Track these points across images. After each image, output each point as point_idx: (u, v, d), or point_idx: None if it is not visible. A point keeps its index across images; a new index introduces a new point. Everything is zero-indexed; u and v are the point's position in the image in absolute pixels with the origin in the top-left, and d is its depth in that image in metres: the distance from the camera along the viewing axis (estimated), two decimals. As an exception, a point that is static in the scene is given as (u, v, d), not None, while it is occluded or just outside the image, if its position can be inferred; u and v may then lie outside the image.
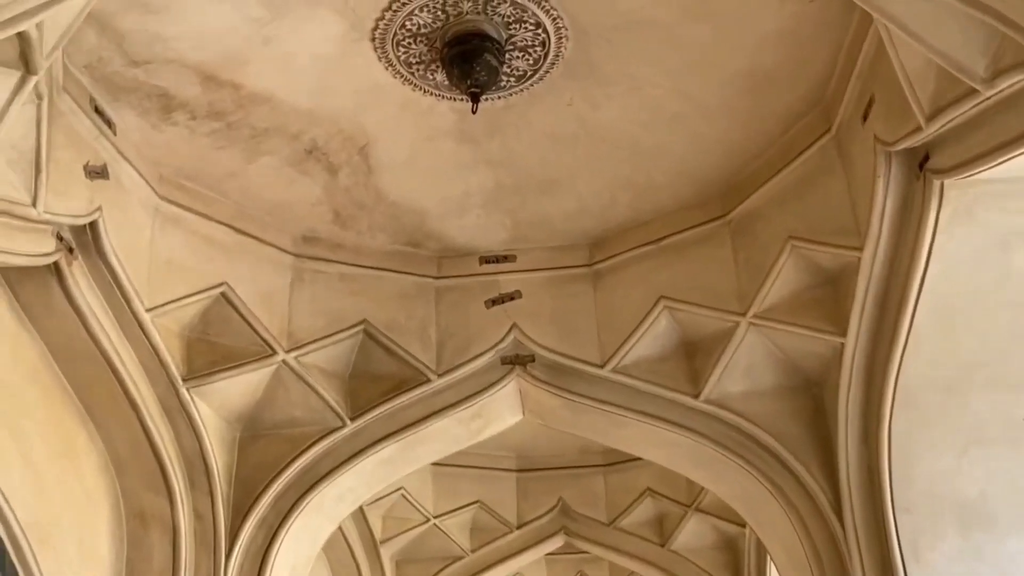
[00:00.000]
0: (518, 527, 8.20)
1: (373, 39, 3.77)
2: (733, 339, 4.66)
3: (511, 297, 5.18)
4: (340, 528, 7.49)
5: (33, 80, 2.62)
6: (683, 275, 4.88)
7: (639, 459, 7.61)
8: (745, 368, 4.74)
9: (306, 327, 4.84)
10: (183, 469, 4.59)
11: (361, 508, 7.62)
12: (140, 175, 4.15)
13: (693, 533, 7.66)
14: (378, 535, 7.93)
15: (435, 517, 8.00)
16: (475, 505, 8.13)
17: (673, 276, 4.91)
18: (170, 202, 4.37)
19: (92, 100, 3.72)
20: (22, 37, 2.34)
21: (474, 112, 3.92)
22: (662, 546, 7.83)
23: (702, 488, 7.18)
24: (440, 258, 5.29)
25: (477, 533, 8.24)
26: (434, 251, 5.26)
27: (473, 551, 8.13)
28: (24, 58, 2.46)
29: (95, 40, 3.53)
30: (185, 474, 4.61)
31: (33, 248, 3.45)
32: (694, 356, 4.93)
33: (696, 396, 4.82)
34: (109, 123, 3.85)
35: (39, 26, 2.36)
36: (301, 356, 4.81)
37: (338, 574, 7.79)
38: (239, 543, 4.72)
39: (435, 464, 8.12)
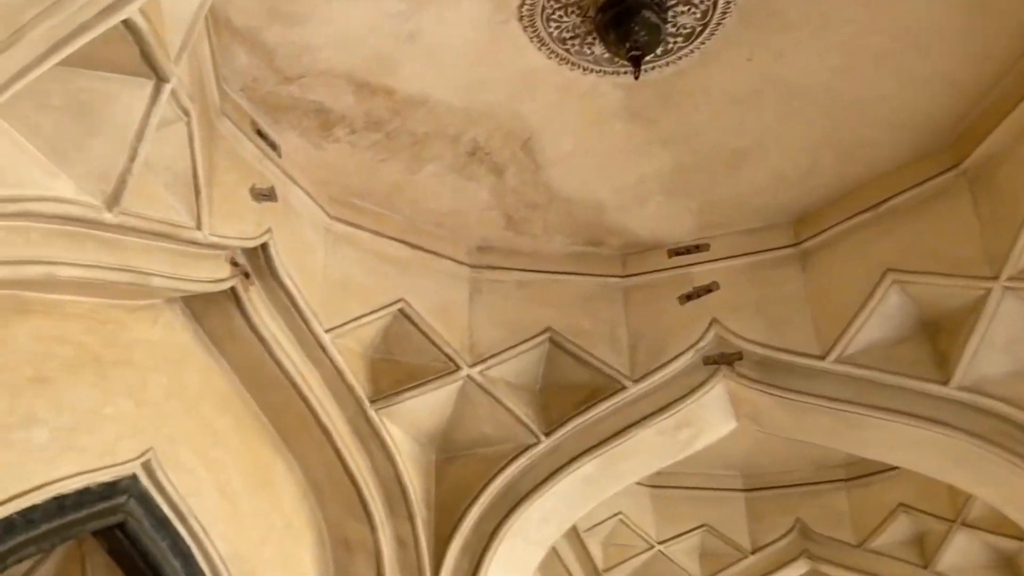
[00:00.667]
0: (752, 552, 7.52)
1: (521, 17, 3.50)
2: (985, 310, 3.87)
3: (707, 290, 4.67)
4: (559, 557, 7.20)
5: (167, 88, 2.56)
6: (912, 242, 4.15)
7: (887, 471, 6.76)
8: (1005, 343, 3.93)
9: (488, 340, 4.61)
10: (381, 494, 4.47)
11: (579, 535, 7.32)
12: (309, 196, 4.12)
13: (961, 551, 6.58)
14: (600, 563, 7.53)
15: (659, 543, 7.51)
16: (702, 529, 7.56)
17: (899, 244, 4.19)
18: (341, 221, 4.31)
19: (253, 123, 3.73)
20: (133, 31, 2.26)
21: (636, 78, 3.53)
22: (925, 567, 6.80)
23: (967, 497, 6.16)
24: (624, 255, 4.89)
25: (707, 559, 7.65)
26: (616, 248, 4.87)
27: (705, 580, 7.54)
28: (149, 61, 2.40)
29: (246, 59, 3.52)
30: (384, 499, 4.49)
31: (207, 274, 3.46)
32: (937, 335, 4.16)
33: (945, 383, 4.05)
34: (273, 145, 3.85)
35: (152, 20, 2.27)
36: (486, 370, 4.57)
37: (565, 607, 7.45)
38: (444, 570, 4.51)
39: (653, 486, 7.69)
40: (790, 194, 4.51)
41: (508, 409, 4.60)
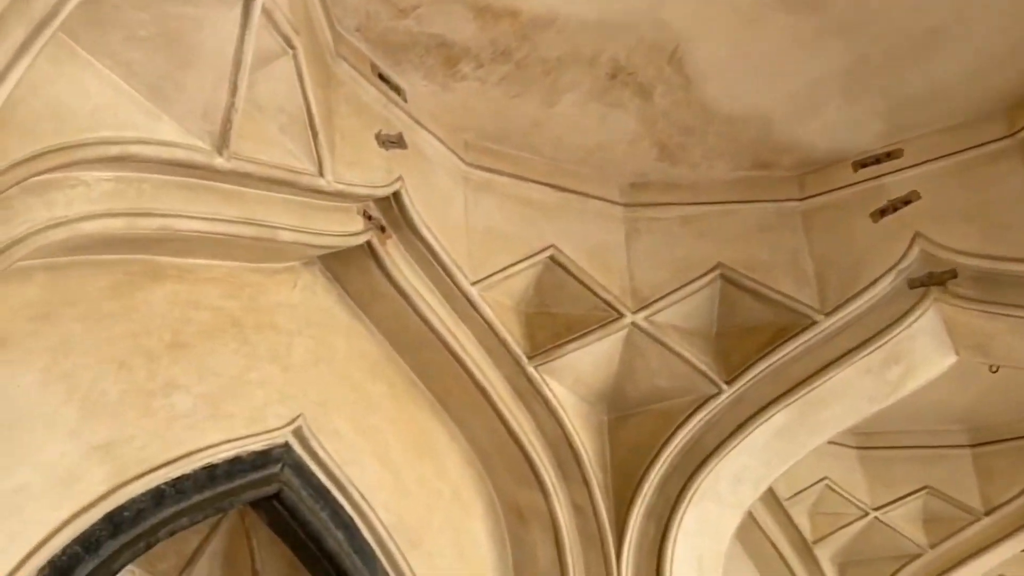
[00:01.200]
0: (986, 514, 6.61)
1: (644, -102, 3.05)
2: None
3: (905, 201, 4.00)
4: (761, 529, 6.64)
5: (257, 5, 2.33)
6: None
7: None
8: None
9: (651, 282, 4.17)
10: (551, 458, 4.15)
11: (781, 504, 6.70)
12: (441, 142, 3.85)
13: None
14: (808, 535, 6.87)
15: (875, 510, 6.75)
16: (923, 492, 6.75)
17: None
18: (478, 167, 4.02)
19: (373, 66, 3.50)
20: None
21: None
22: None
23: None
24: (800, 175, 4.29)
25: (933, 525, 6.83)
26: (791, 167, 4.28)
27: (932, 547, 6.71)
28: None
29: (356, -7, 3.29)
30: (554, 464, 4.16)
31: (338, 227, 3.26)
32: None
33: None
34: (397, 89, 3.61)
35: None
36: (652, 316, 4.13)
37: (770, 581, 6.85)
38: (628, 537, 4.12)
39: (862, 448, 6.96)
40: (1002, 76, 3.76)
41: (682, 357, 4.13)
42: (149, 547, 2.73)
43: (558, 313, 4.11)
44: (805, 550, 6.84)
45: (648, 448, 4.24)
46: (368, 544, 3.45)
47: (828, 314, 4.00)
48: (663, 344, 4.13)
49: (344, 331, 3.61)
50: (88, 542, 2.49)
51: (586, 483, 4.16)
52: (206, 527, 3.47)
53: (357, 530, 3.42)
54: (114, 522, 2.58)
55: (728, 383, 4.12)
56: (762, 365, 4.08)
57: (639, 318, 4.11)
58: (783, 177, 4.32)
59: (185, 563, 3.52)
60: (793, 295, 4.07)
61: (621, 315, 4.09)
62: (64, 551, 2.42)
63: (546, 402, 4.07)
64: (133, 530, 2.63)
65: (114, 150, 2.25)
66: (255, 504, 3.26)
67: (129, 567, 3.44)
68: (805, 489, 6.69)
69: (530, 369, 4.00)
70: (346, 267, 3.59)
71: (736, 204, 4.30)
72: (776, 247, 4.20)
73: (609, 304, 4.09)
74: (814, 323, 4.02)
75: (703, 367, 4.15)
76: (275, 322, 3.29)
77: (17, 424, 2.36)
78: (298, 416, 3.25)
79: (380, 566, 3.48)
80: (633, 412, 4.36)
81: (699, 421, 4.18)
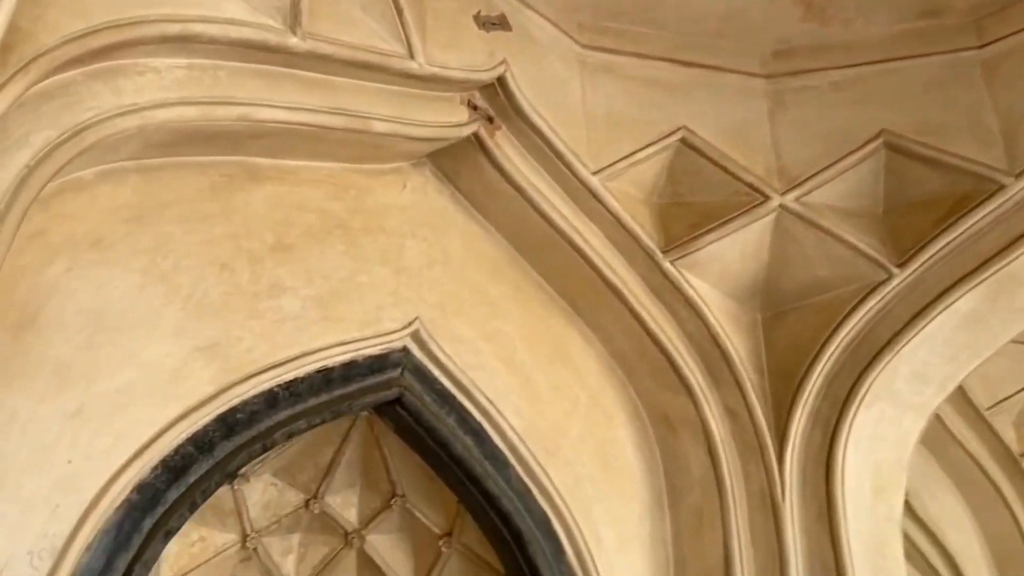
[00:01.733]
0: None
1: None
2: None
3: (1114, 32, 3.28)
4: (958, 441, 5.99)
5: None
6: None
7: None
8: None
9: (802, 159, 3.69)
10: (698, 361, 3.81)
11: (981, 415, 6.01)
12: (551, 23, 3.55)
13: None
14: (1014, 447, 6.12)
15: (1093, 418, 5.92)
16: None
17: None
18: (595, 49, 3.68)
19: (467, -57, 3.23)
20: None
21: None
22: None
23: None
24: (977, 20, 3.64)
25: None
26: (964, 12, 3.64)
27: None
28: None
29: None
30: (702, 366, 3.82)
31: (438, 117, 3.05)
32: None
33: None
34: (496, -34, 3.33)
35: None
36: (804, 196, 3.66)
37: (971, 498, 6.19)
38: (791, 444, 3.73)
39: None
40: None
41: (843, 241, 3.64)
42: (266, 449, 2.70)
43: (694, 202, 3.73)
44: (1012, 465, 6.12)
45: (809, 346, 3.80)
46: (500, 451, 3.29)
47: (1020, 175, 3.39)
48: (819, 227, 3.66)
49: (460, 232, 3.43)
50: (201, 442, 2.47)
51: (739, 386, 3.80)
52: (337, 436, 3.44)
53: (487, 436, 3.27)
54: (227, 423, 2.55)
55: (900, 266, 3.60)
56: (940, 243, 3.52)
57: (788, 200, 3.66)
58: (956, 24, 3.68)
59: (323, 474, 3.53)
60: (975, 158, 3.48)
61: (767, 198, 3.65)
62: (177, 451, 2.40)
63: (687, 300, 3.73)
64: (247, 431, 2.59)
65: (174, 28, 2.14)
66: (378, 410, 3.18)
67: (271, 479, 3.49)
68: (1010, 397, 5.95)
69: (666, 264, 3.67)
70: (456, 165, 3.40)
71: (900, 61, 3.71)
72: (951, 105, 3.60)
73: (752, 187, 3.66)
74: (1002, 188, 3.41)
75: (869, 250, 3.64)
76: (384, 224, 3.15)
77: (117, 325, 2.35)
78: (414, 320, 3.12)
79: (514, 473, 3.32)
80: (790, 307, 3.93)
81: (867, 312, 3.69)
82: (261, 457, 2.73)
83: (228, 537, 3.43)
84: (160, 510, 2.33)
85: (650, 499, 3.78)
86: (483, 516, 3.33)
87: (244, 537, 3.45)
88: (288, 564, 3.61)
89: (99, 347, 2.28)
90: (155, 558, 2.36)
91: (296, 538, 3.63)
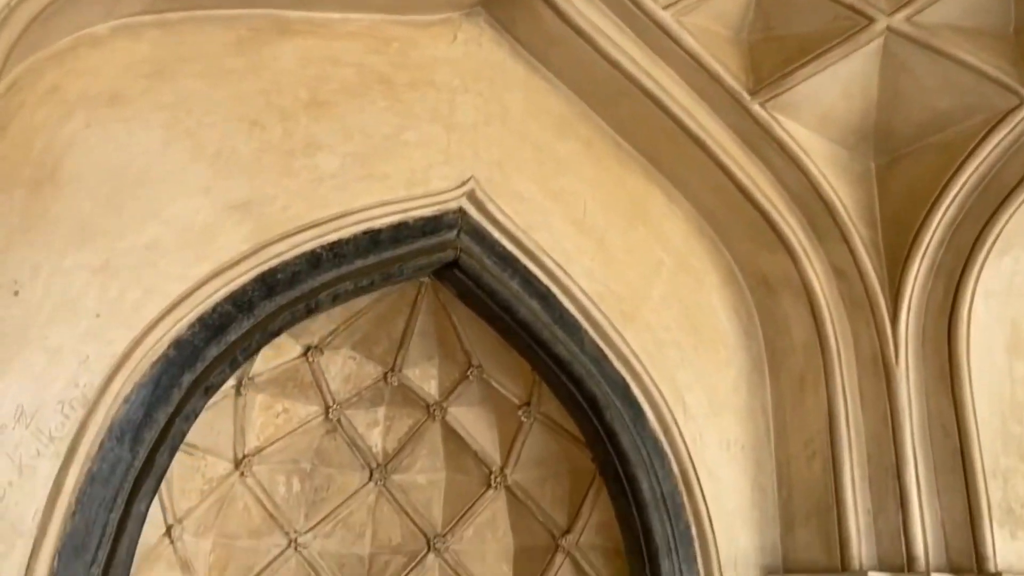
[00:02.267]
0: None
1: None
2: None
3: None
4: None
5: None
6: None
7: None
8: None
9: (913, -31, 3.16)
10: (797, 215, 3.46)
11: None
12: None
13: None
14: None
15: None
16: None
17: None
18: None
19: None
20: None
21: None
22: None
23: None
24: None
25: None
26: None
27: None
28: None
29: None
30: (803, 221, 3.46)
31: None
32: None
33: None
34: None
35: None
36: (916, 16, 3.15)
37: None
38: (906, 301, 3.34)
39: None
40: None
41: (966, 65, 3.13)
42: (310, 311, 2.65)
43: (787, 35, 3.30)
44: None
45: (927, 191, 3.35)
46: (570, 314, 3.12)
47: None
48: (936, 51, 3.16)
49: (520, 86, 3.20)
50: (240, 302, 2.44)
51: (846, 241, 3.41)
52: (406, 306, 3.36)
53: (555, 300, 3.10)
54: (267, 283, 2.51)
55: (1037, 88, 3.07)
56: (1085, 58, 2.97)
57: (897, 21, 3.16)
58: None
59: (398, 346, 3.48)
60: None
61: (871, 20, 3.17)
62: (214, 309, 2.39)
63: (782, 147, 3.35)
64: (289, 292, 2.55)
65: None
66: (437, 275, 3.06)
67: (349, 352, 3.48)
68: None
69: (755, 108, 3.29)
70: (512, 12, 3.15)
71: None
72: None
73: (854, 8, 3.18)
74: None
75: (997, 74, 3.13)
76: (433, 79, 2.97)
77: (141, 181, 2.32)
78: (469, 179, 2.95)
79: (587, 337, 3.14)
80: (905, 150, 3.46)
81: (995, 147, 3.20)
82: (305, 319, 2.67)
83: (311, 409, 3.48)
84: (199, 367, 2.33)
85: (747, 365, 3.51)
86: (556, 382, 3.19)
87: (327, 409, 3.48)
88: (374, 436, 3.63)
89: (122, 203, 2.26)
90: (196, 412, 2.38)
91: (381, 411, 3.63)
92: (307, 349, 3.35)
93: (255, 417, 3.37)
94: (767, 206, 3.42)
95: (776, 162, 3.40)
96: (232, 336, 2.41)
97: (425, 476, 3.69)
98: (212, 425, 3.20)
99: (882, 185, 3.52)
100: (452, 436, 3.62)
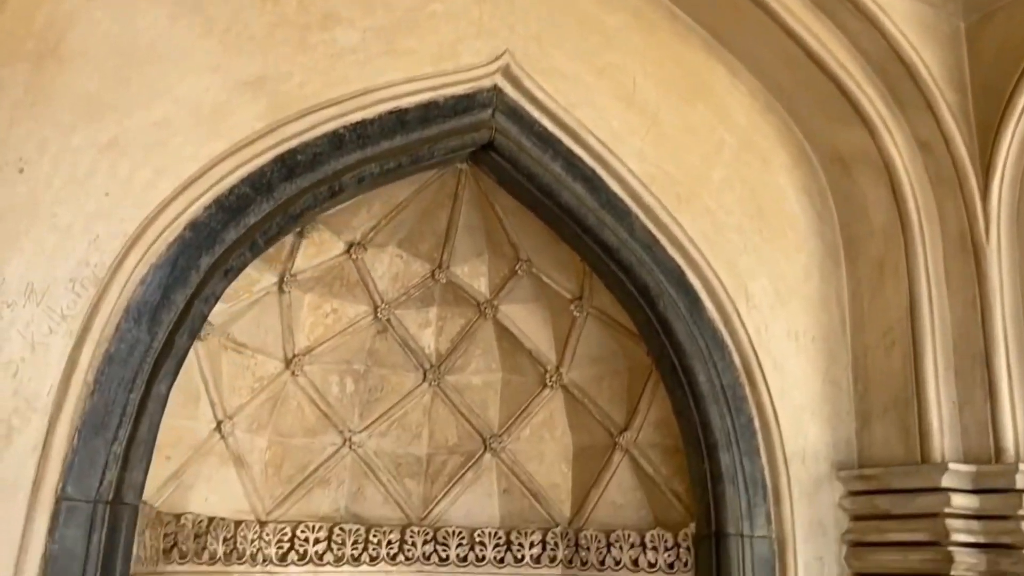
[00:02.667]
0: None
1: None
2: None
3: None
4: None
5: None
6: None
7: None
8: None
9: None
10: (876, 85, 3.13)
11: None
12: None
13: None
14: None
15: None
16: None
17: None
18: None
19: None
20: None
21: None
22: None
23: None
24: None
25: None
26: None
27: None
28: None
29: None
30: (882, 91, 3.13)
31: None
32: None
33: None
34: None
35: None
36: None
37: None
38: (998, 173, 3.00)
39: None
40: None
41: None
42: (334, 193, 2.54)
43: None
44: None
45: (1022, 51, 2.97)
46: (618, 198, 2.92)
47: None
48: None
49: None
50: (258, 184, 2.35)
51: (931, 110, 3.08)
52: (447, 198, 3.22)
53: (601, 182, 2.90)
54: (287, 165, 2.41)
55: None
56: None
57: None
58: None
59: (443, 241, 3.36)
60: None
61: None
62: (231, 191, 2.31)
63: (857, 6, 3.01)
64: (310, 174, 2.44)
65: None
66: (474, 159, 2.90)
67: (395, 250, 3.39)
68: None
69: (820, -39, 2.96)
70: None
71: None
72: None
73: None
74: None
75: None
76: (461, -56, 2.76)
77: (148, 58, 2.24)
78: (503, 53, 2.76)
79: (637, 223, 2.94)
80: (998, 5, 3.08)
81: (1110, -15, 2.78)
82: (329, 203, 2.56)
83: (360, 309, 3.42)
84: (218, 249, 2.27)
85: (819, 251, 3.25)
86: (605, 271, 3.02)
87: (375, 309, 3.41)
88: (426, 337, 3.55)
89: (129, 79, 2.18)
90: (216, 295, 2.33)
91: (432, 312, 3.54)
92: (350, 246, 3.26)
93: (304, 317, 3.33)
94: (842, 75, 3.10)
95: (851, 25, 3.06)
96: (251, 219, 2.33)
97: (480, 377, 3.59)
98: (258, 323, 3.18)
99: (972, 46, 3.17)
100: (505, 335, 3.51)
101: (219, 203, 2.28)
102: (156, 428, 2.15)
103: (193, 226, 2.23)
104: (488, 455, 3.52)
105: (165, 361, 2.15)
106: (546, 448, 3.53)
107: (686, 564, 3.05)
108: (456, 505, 3.51)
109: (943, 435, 2.86)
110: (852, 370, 3.16)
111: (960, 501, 2.69)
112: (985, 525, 2.70)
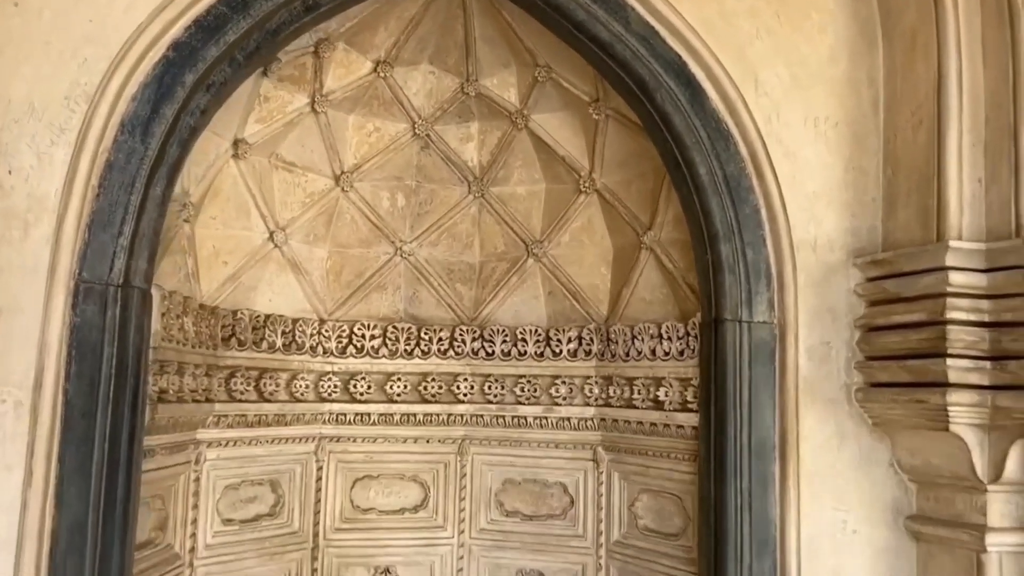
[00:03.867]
0: None
1: None
2: None
3: None
4: None
5: None
6: None
7: None
8: None
9: None
10: None
11: None
12: None
13: None
14: None
15: None
16: None
17: None
18: None
19: None
20: None
21: None
22: None
23: None
24: None
25: None
26: None
27: None
28: None
29: None
30: None
31: None
32: None
33: None
34: None
35: None
36: None
37: None
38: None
39: None
40: None
41: None
42: (309, 9, 2.70)
43: None
44: None
45: None
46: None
47: None
48: None
49: None
50: (234, 2, 2.56)
51: None
52: (458, 10, 3.25)
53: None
54: (261, -19, 2.58)
55: None
56: None
57: None
58: None
59: (465, 53, 3.42)
60: None
61: None
62: (209, 11, 2.53)
63: None
64: (293, -9, 2.60)
65: None
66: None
67: (427, 67, 3.53)
68: None
69: None
70: None
71: None
72: None
73: None
74: None
75: None
76: None
77: None
78: None
79: (634, 15, 2.87)
80: None
81: None
82: (307, 19, 2.71)
83: (400, 127, 3.63)
84: (200, 67, 2.52)
85: (849, 30, 3.01)
86: (604, 68, 3.00)
87: (413, 125, 3.61)
88: (468, 151, 3.73)
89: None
90: (201, 108, 2.59)
91: (472, 126, 3.69)
92: (376, 64, 3.44)
93: (349, 137, 3.59)
94: None
95: None
96: (230, 36, 2.54)
97: (523, 187, 3.75)
98: (303, 143, 3.48)
99: None
100: (541, 145, 3.61)
101: (198, 23, 2.53)
102: (156, 225, 2.52)
103: (175, 46, 2.50)
104: (531, 260, 3.72)
105: (159, 168, 2.48)
106: (585, 252, 3.67)
107: (693, 351, 3.15)
108: (504, 307, 3.78)
109: (962, 214, 2.67)
110: (882, 154, 2.97)
111: (961, 279, 2.55)
112: (993, 304, 2.56)
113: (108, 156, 2.41)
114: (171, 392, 2.81)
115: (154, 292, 2.59)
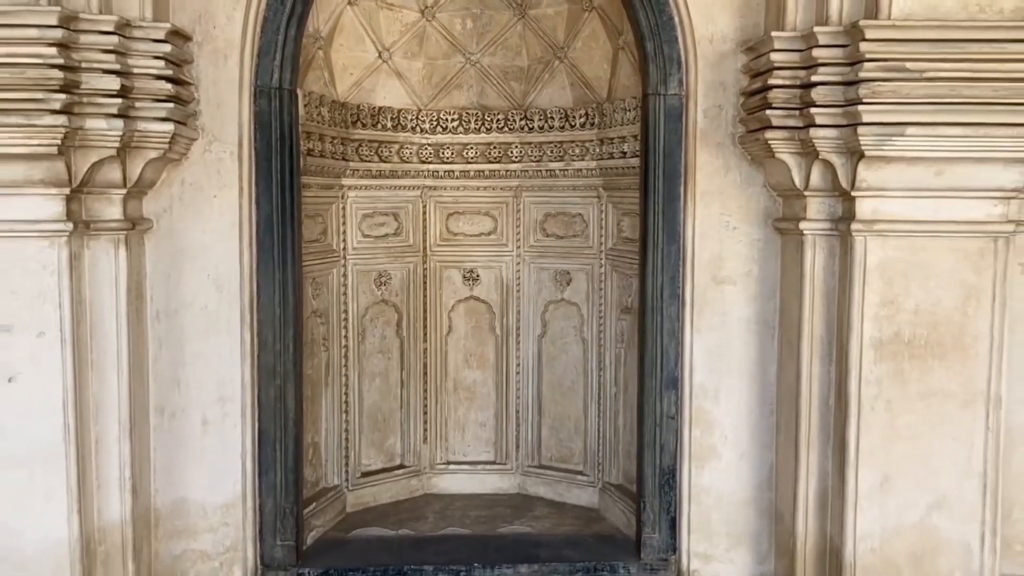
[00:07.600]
0: None
1: None
2: None
3: None
4: None
5: None
6: None
7: None
8: None
9: None
10: None
11: None
12: None
13: None
14: None
15: None
16: None
17: None
18: None
19: None
20: None
21: None
22: None
23: None
24: None
25: None
26: None
27: None
28: None
29: None
30: None
31: None
32: None
33: None
34: None
35: None
36: None
37: None
38: None
39: None
40: None
41: None
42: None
43: None
44: None
45: None
46: None
47: None
48: None
49: None
50: (326, -89, 4.23)
51: None
52: None
53: None
54: None
55: None
56: None
57: None
58: None
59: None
60: None
61: None
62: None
63: None
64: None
65: None
66: None
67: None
68: None
69: None
70: None
71: None
72: None
73: None
74: None
75: None
76: None
77: None
78: None
79: None
80: None
81: None
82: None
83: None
84: (310, -46, 4.26)
85: None
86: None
87: (423, 11, 5.19)
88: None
89: None
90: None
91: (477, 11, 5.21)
92: (437, -71, 5.00)
93: None
94: None
95: None
96: (325, -67, 4.24)
97: (551, 8, 5.11)
98: (396, -11, 5.18)
99: None
100: (535, 34, 5.06)
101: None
102: (295, 53, 4.35)
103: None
104: (557, 62, 5.27)
105: (292, 18, 4.25)
106: (592, 54, 5.13)
107: (635, 117, 4.68)
108: (541, 96, 5.37)
109: (797, 12, 3.84)
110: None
111: (780, 57, 3.80)
112: (805, 73, 3.84)
113: (265, 13, 4.24)
114: (315, 151, 4.80)
115: (299, 92, 4.51)
